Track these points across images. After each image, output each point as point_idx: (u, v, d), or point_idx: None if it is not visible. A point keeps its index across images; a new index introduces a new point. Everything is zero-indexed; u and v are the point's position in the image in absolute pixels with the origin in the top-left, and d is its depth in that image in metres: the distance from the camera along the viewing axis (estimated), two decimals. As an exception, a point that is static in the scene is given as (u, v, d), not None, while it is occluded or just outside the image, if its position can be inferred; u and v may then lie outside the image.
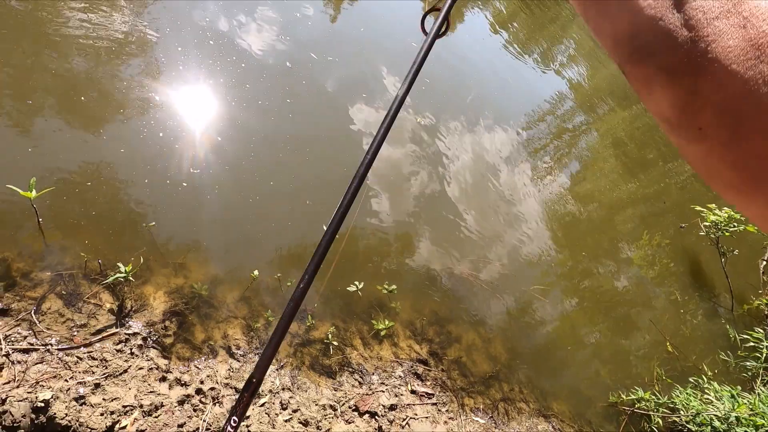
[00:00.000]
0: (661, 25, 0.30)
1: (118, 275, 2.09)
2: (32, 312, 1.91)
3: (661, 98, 0.32)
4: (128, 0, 3.15)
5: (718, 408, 2.68)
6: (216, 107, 3.00)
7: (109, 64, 2.78)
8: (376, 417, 2.28)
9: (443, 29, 0.57)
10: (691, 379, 3.11)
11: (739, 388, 2.88)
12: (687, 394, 2.92)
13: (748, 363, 3.36)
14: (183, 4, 3.43)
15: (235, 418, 0.53)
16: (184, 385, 1.99)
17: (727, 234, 3.95)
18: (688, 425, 2.73)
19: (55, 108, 2.48)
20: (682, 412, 2.80)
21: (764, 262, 4.46)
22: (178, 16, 3.32)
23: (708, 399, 2.82)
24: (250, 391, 0.53)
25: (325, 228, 0.54)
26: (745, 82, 0.27)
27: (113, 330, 2.01)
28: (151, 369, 1.97)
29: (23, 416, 1.61)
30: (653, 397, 2.93)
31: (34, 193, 2.02)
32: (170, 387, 1.96)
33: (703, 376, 3.08)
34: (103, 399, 1.79)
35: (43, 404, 1.65)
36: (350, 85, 3.80)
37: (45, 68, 2.57)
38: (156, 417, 1.84)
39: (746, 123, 0.27)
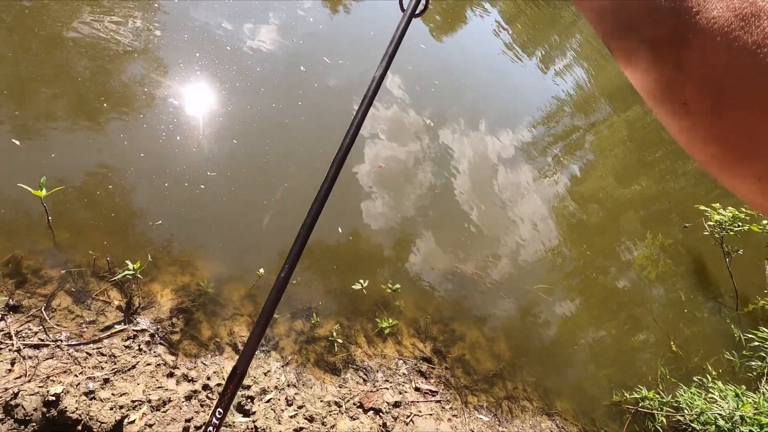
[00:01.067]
0: None
1: (126, 272, 2.12)
2: (42, 309, 1.94)
3: (645, 73, 0.32)
4: (142, 9, 3.19)
5: (722, 407, 2.68)
6: (228, 110, 3.03)
7: (122, 67, 2.82)
8: (381, 414, 2.29)
9: (423, 8, 0.55)
10: (695, 379, 3.11)
11: (744, 387, 2.88)
12: (691, 393, 2.91)
13: (752, 362, 3.35)
14: (198, 11, 3.47)
15: (220, 410, 0.52)
16: (191, 381, 2.02)
17: (731, 234, 3.94)
18: (692, 424, 2.73)
19: (66, 109, 2.52)
20: (686, 411, 2.80)
21: (769, 262, 4.45)
22: (190, 19, 3.36)
23: (712, 398, 2.82)
24: (234, 382, 0.51)
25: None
26: (729, 54, 0.26)
27: (122, 326, 2.04)
28: (158, 365, 2.00)
29: (35, 410, 1.65)
30: (657, 396, 2.93)
31: (44, 192, 2.05)
32: (177, 383, 1.99)
33: (708, 376, 3.08)
34: (112, 394, 1.82)
35: (54, 398, 1.68)
36: (359, 87, 3.83)
37: (56, 70, 2.61)
38: (164, 412, 1.87)
39: (730, 95, 0.27)
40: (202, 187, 2.61)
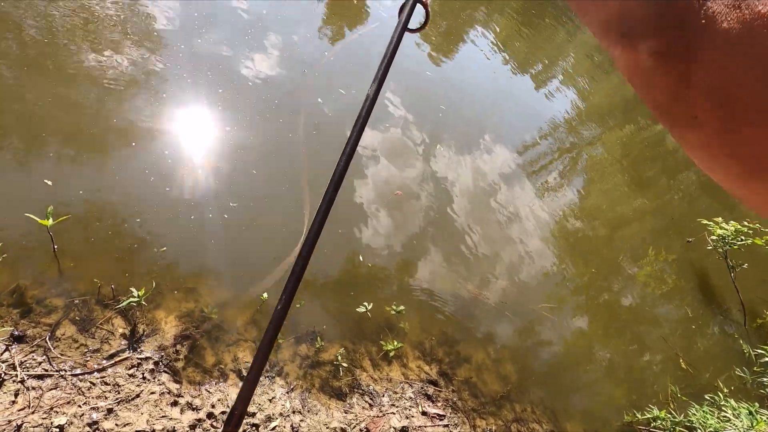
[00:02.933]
0: (651, 8, 0.29)
1: (131, 300, 2.12)
2: (47, 338, 1.94)
3: (652, 84, 0.31)
4: (142, 43, 3.29)
5: (736, 425, 2.62)
6: (233, 138, 3.08)
7: (124, 98, 2.89)
8: (388, 440, 2.25)
9: (421, 24, 0.53)
10: (707, 397, 3.05)
11: (757, 404, 2.82)
12: (703, 411, 2.86)
13: (765, 379, 3.29)
14: (203, 45, 3.57)
15: None
16: (196, 409, 2.00)
17: (735, 248, 3.93)
18: (706, 444, 2.67)
19: (71, 140, 2.57)
20: (699, 431, 2.74)
21: (775, 276, 4.42)
22: (195, 55, 3.45)
23: (725, 416, 2.76)
24: (232, 424, 0.48)
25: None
26: (740, 67, 0.25)
27: (126, 354, 2.03)
28: (162, 393, 1.98)
29: (38, 442, 1.63)
30: (669, 415, 2.87)
31: (50, 221, 2.08)
32: (182, 411, 1.96)
33: (720, 393, 3.02)
34: (116, 424, 1.80)
35: (57, 430, 1.66)
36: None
37: (64, 102, 2.68)
38: (168, 442, 1.84)
39: (742, 109, 0.26)
40: (210, 216, 2.64)
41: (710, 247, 4.17)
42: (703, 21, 0.27)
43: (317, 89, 3.83)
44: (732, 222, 3.97)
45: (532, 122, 5.48)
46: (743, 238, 3.88)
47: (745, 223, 3.91)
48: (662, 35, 0.29)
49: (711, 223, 4.05)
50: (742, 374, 3.40)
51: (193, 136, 2.97)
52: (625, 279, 4.04)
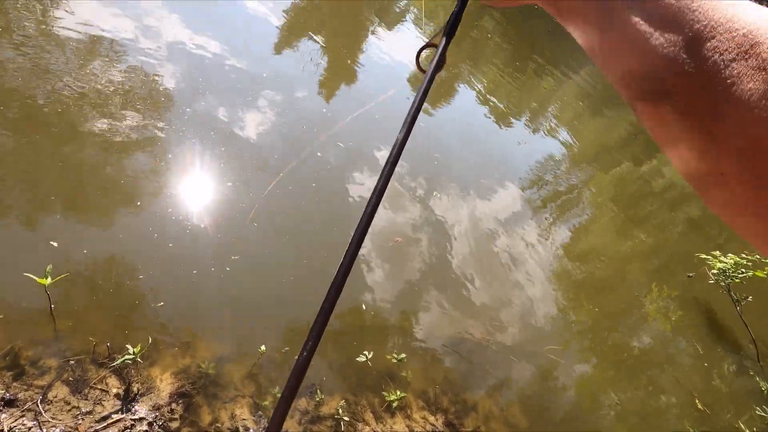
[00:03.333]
0: (676, 67, 0.28)
1: (126, 357, 2.08)
2: (38, 401, 1.89)
3: (676, 139, 0.30)
4: (147, 106, 3.47)
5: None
6: (233, 193, 3.16)
7: (130, 159, 3.00)
8: (394, 500, 2.12)
9: (440, 67, 0.54)
10: (728, 439, 2.90)
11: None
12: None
13: (787, 418, 3.15)
14: (200, 103, 3.76)
15: None
16: (190, 472, 1.90)
17: (737, 281, 3.91)
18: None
19: (76, 201, 2.64)
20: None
21: (782, 308, 4.35)
22: (199, 116, 3.62)
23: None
24: None
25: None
26: (767, 127, 0.25)
27: (119, 416, 1.97)
28: (155, 456, 1.90)
29: None
30: (691, 461, 2.72)
31: (49, 280, 2.09)
32: (175, 476, 1.87)
33: (741, 435, 2.88)
34: (106, 492, 1.71)
35: (43, 500, 1.58)
36: (359, 166, 4.02)
37: (65, 163, 2.78)
38: None
39: None
40: (212, 269, 2.66)
41: (712, 281, 4.14)
42: (730, 81, 0.27)
43: (317, 143, 3.97)
44: (730, 255, 3.97)
45: (526, 166, 5.63)
46: (743, 270, 3.87)
47: (744, 255, 3.92)
48: (688, 94, 0.28)
49: (709, 257, 4.06)
50: (763, 414, 3.25)
51: (196, 193, 3.04)
52: (630, 317, 3.98)
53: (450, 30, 0.53)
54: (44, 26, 3.41)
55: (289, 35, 5.19)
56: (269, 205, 3.22)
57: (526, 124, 6.84)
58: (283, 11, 5.50)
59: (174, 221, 2.78)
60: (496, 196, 4.68)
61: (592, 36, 0.36)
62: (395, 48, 6.33)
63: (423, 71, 0.54)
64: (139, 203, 2.78)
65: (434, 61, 0.52)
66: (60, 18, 3.53)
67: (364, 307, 2.95)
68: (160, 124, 3.33)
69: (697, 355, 3.79)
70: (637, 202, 6.06)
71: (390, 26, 7.03)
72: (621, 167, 6.90)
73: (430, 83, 0.52)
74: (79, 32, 3.52)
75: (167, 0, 4.41)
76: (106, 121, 3.12)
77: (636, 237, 5.17)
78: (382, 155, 4.25)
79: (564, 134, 7.14)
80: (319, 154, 3.84)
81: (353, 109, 4.68)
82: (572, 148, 6.86)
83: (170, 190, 2.95)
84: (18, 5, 3.42)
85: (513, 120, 6.66)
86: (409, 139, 0.52)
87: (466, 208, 4.27)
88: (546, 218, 4.80)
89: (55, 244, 2.39)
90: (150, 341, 2.23)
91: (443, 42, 0.52)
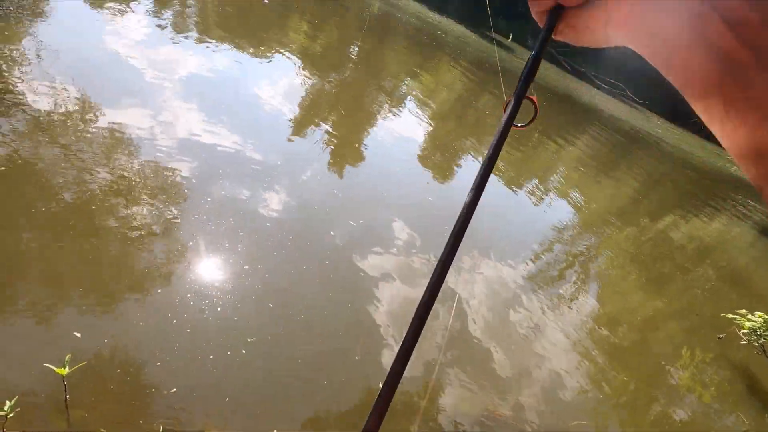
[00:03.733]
0: None
1: (136, 449, 2.04)
2: (46, 500, 1.83)
3: (741, 136, 0.29)
4: (166, 195, 3.73)
5: None
6: (251, 276, 3.26)
7: (150, 248, 3.16)
8: None
9: (532, 118, 0.50)
10: None
11: None
12: None
13: None
14: (224, 194, 4.01)
15: None
16: None
17: (769, 339, 3.72)
18: None
19: (96, 291, 2.75)
20: None
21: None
22: (217, 203, 3.86)
23: None
24: None
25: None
26: None
27: None
28: None
29: None
30: None
31: (67, 370, 2.13)
32: None
33: None
34: None
35: None
36: (370, 243, 4.14)
37: (80, 252, 2.94)
38: None
39: None
40: (228, 353, 2.67)
41: (744, 342, 3.93)
42: None
43: (328, 223, 4.14)
44: (758, 312, 3.82)
45: (536, 234, 5.68)
46: (775, 328, 3.70)
47: (772, 312, 3.77)
48: (752, 90, 0.28)
49: (737, 316, 3.90)
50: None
51: (214, 277, 3.14)
52: (663, 387, 3.74)
53: (527, 75, 0.48)
54: (71, 125, 3.79)
55: (300, 123, 5.62)
56: (284, 285, 3.28)
57: (533, 191, 7.02)
58: (293, 99, 6.02)
59: (192, 306, 2.85)
60: (511, 263, 4.68)
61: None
62: (401, 127, 6.76)
63: (518, 126, 0.50)
64: (159, 290, 2.88)
65: (508, 111, 0.47)
66: (90, 119, 3.93)
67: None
68: (179, 213, 3.53)
69: (742, 426, 3.49)
70: (656, 262, 5.96)
71: (395, 107, 7.57)
72: (635, 227, 6.90)
73: (506, 132, 0.47)
74: (105, 130, 3.89)
75: (186, 96, 4.88)
76: (127, 212, 3.34)
77: (660, 298, 5.02)
78: (392, 230, 4.38)
79: (573, 198, 7.27)
80: (332, 233, 3.98)
81: (362, 189, 4.91)
82: (583, 211, 6.94)
83: (189, 276, 3.05)
84: (50, 108, 3.84)
85: (520, 186, 6.85)
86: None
87: (480, 277, 4.27)
88: (565, 284, 4.73)
89: (78, 335, 2.46)
90: (161, 430, 2.19)
91: (519, 87, 0.47)
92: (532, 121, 0.50)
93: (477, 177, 0.48)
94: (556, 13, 0.42)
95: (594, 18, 0.39)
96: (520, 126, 0.50)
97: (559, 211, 6.59)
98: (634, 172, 10.77)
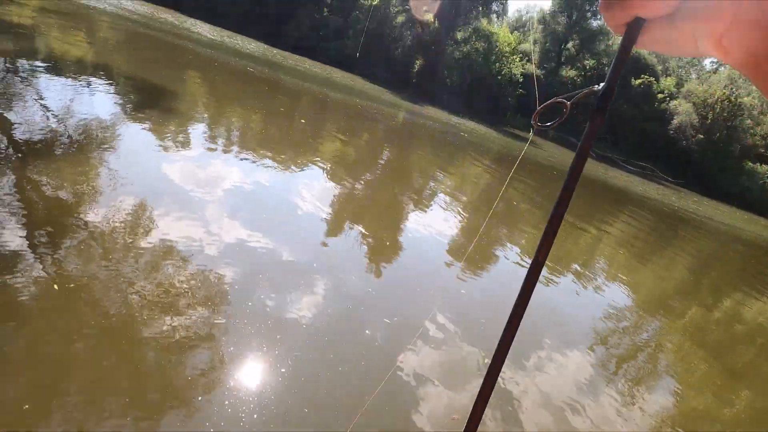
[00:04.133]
0: None
1: None
2: None
3: None
4: (209, 303, 3.83)
5: None
6: (288, 379, 3.16)
7: (192, 355, 3.17)
8: None
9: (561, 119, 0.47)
10: None
11: None
12: None
13: None
14: (263, 298, 4.10)
15: None
16: None
17: None
18: None
19: (138, 402, 2.71)
20: None
21: None
22: (257, 307, 3.92)
23: None
24: None
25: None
26: None
27: None
28: None
29: None
30: None
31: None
32: None
33: None
34: None
35: None
36: (406, 338, 4.00)
37: (131, 366, 2.95)
38: None
39: None
40: (254, 467, 2.48)
41: None
42: None
43: (365, 323, 4.06)
44: None
45: (585, 323, 5.32)
46: None
47: None
48: None
49: None
50: None
51: (253, 383, 3.06)
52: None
53: (617, 64, 0.43)
54: (123, 241, 4.08)
55: (334, 225, 5.85)
56: (321, 392, 3.14)
57: (579, 278, 6.73)
58: (328, 203, 6.34)
59: (231, 414, 2.74)
60: (561, 359, 4.32)
61: None
62: (431, 222, 6.90)
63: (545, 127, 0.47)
64: (200, 398, 2.81)
65: (587, 131, 0.43)
66: (141, 234, 4.24)
67: None
68: (220, 320, 3.58)
69: None
70: (731, 348, 5.34)
71: (424, 204, 7.81)
72: (699, 309, 6.34)
73: (586, 153, 0.43)
74: (154, 244, 4.16)
75: (230, 207, 5.24)
76: (171, 322, 3.41)
77: (738, 394, 4.39)
78: (428, 326, 4.22)
79: (622, 282, 6.90)
80: (367, 332, 3.89)
81: (396, 286, 4.89)
82: (636, 295, 6.52)
83: (227, 383, 2.99)
84: (105, 226, 4.19)
85: (559, 275, 6.60)
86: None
87: (529, 376, 3.93)
88: (628, 379, 4.27)
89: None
90: None
91: (610, 74, 0.43)
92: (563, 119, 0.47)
93: (546, 231, 0.47)
94: (637, 26, 0.40)
95: (682, 33, 0.38)
96: (546, 126, 0.48)
97: (609, 297, 6.22)
98: (683, 251, 10.24)
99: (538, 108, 0.47)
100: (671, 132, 37.89)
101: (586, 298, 6.13)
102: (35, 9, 13.81)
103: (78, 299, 3.33)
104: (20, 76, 6.95)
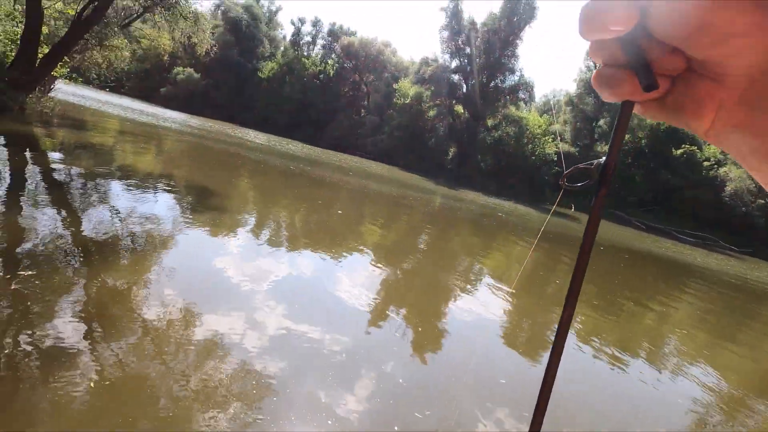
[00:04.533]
0: None
1: None
2: None
3: None
4: (249, 399, 3.72)
5: None
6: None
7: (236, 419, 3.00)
8: None
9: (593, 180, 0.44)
10: None
11: None
12: None
13: None
14: (303, 390, 3.95)
15: None
16: None
17: None
18: None
19: None
20: None
21: None
22: (297, 400, 3.77)
23: None
24: None
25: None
26: None
27: None
28: None
29: None
30: None
31: None
32: None
33: None
34: None
35: None
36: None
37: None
38: None
39: None
40: None
41: None
42: None
43: (405, 413, 3.75)
44: None
45: (663, 416, 4.64)
46: None
47: None
48: None
49: None
50: None
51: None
52: None
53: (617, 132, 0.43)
54: (173, 336, 4.15)
55: (377, 314, 5.73)
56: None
57: (645, 364, 6.03)
58: (370, 291, 6.28)
59: None
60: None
61: None
62: (475, 304, 6.61)
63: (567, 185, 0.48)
64: None
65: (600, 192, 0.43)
66: (189, 329, 4.31)
67: None
68: (265, 411, 3.43)
69: None
70: None
71: (466, 288, 7.56)
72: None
73: (600, 207, 0.44)
74: (201, 338, 4.19)
75: (274, 299, 5.29)
76: (217, 416, 3.30)
77: None
78: (466, 421, 3.82)
79: (698, 370, 6.09)
80: (395, 428, 3.57)
81: (438, 374, 4.58)
82: (717, 385, 5.69)
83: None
84: (157, 324, 4.30)
85: (628, 361, 5.95)
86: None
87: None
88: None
89: None
90: None
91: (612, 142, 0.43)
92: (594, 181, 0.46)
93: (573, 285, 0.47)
94: (629, 105, 0.41)
95: (675, 119, 0.38)
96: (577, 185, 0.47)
97: (683, 386, 5.46)
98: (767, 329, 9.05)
99: (565, 172, 0.49)
100: (726, 199, 36.08)
101: (661, 386, 5.41)
102: (114, 131, 16.03)
103: (128, 392, 3.34)
104: (96, 183, 7.86)
